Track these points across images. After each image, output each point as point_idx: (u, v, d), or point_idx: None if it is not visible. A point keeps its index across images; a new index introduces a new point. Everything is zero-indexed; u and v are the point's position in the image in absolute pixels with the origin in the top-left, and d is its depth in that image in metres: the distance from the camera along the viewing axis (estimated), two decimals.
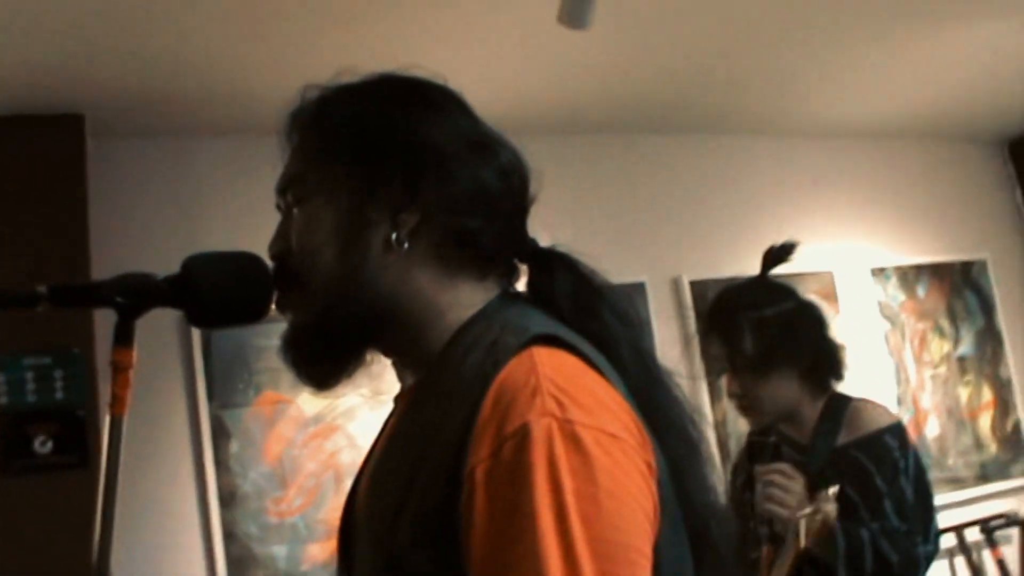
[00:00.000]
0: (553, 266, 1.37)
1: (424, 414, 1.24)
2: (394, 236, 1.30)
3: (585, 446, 1.09)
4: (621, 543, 1.08)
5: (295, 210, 1.37)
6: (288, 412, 4.15)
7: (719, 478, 1.36)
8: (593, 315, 1.32)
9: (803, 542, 2.41)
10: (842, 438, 2.67)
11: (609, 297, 1.36)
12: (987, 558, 5.37)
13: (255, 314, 1.34)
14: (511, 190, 1.37)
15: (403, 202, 1.30)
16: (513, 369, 1.15)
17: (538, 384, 1.12)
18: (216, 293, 1.31)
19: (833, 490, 2.48)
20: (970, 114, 5.88)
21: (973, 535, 5.31)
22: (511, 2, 3.69)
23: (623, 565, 1.07)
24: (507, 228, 1.36)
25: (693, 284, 5.00)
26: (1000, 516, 5.46)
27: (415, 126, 1.33)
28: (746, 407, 2.75)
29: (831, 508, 2.45)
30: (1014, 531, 5.40)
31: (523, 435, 1.08)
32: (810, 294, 5.17)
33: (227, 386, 4.07)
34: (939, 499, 5.24)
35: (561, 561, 1.03)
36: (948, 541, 5.32)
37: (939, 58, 4.93)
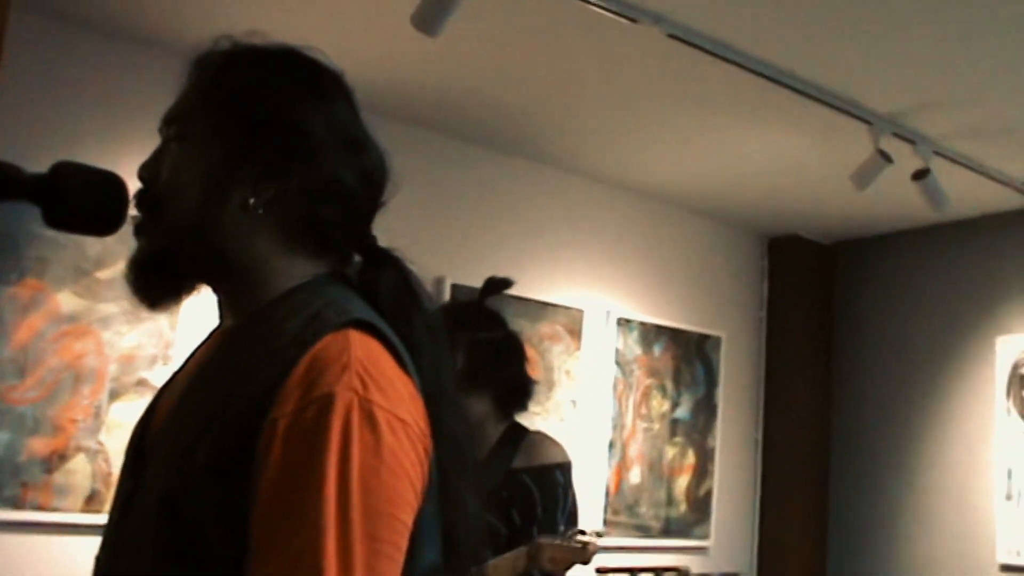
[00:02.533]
0: (384, 265, 1.50)
1: (238, 358, 1.38)
2: (251, 201, 1.42)
3: (378, 424, 1.24)
4: (388, 513, 1.24)
5: (173, 144, 1.47)
6: (45, 304, 4.12)
7: (478, 490, 1.51)
8: (406, 319, 1.45)
9: None
10: (516, 463, 2.92)
11: (425, 308, 1.50)
12: None
13: (106, 228, 1.41)
14: (368, 191, 1.51)
15: (268, 174, 1.42)
16: (329, 343, 1.29)
17: (348, 362, 1.27)
18: (78, 200, 1.38)
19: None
20: (743, 206, 6.41)
21: None
22: None
23: (386, 531, 1.23)
24: (354, 224, 1.50)
25: (455, 287, 5.18)
26: (673, 569, 5.87)
27: (302, 112, 1.45)
28: None
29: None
30: None
31: (327, 402, 1.23)
32: (558, 326, 5.52)
33: None
34: (624, 541, 5.66)
35: (336, 516, 1.18)
36: None
37: (731, 151, 5.42)
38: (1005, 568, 5.64)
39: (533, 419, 3.19)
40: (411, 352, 1.41)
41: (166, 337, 4.37)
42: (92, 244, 4.16)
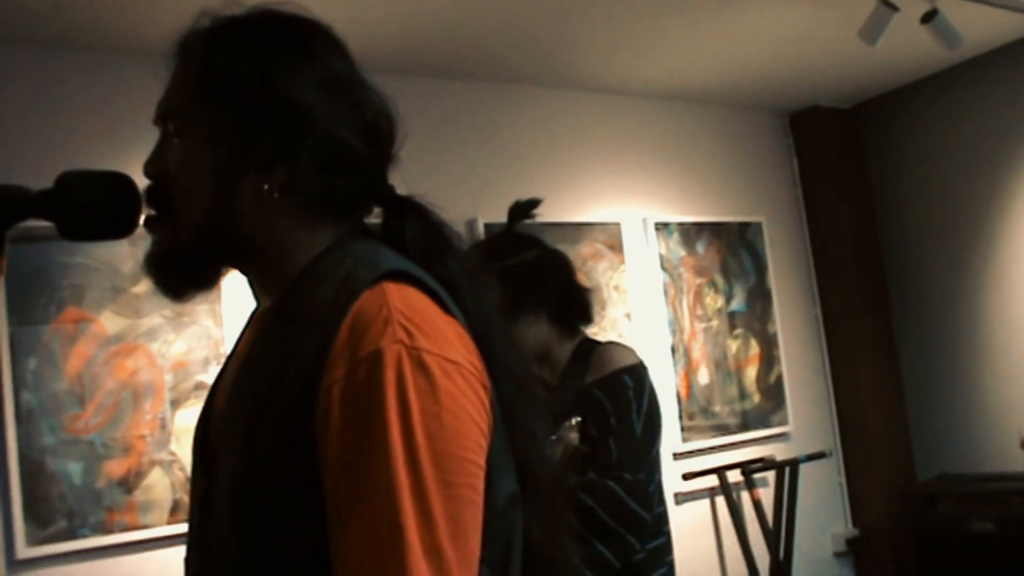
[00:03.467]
0: (407, 213, 1.49)
1: (281, 336, 1.37)
2: (265, 187, 1.41)
3: (430, 370, 1.24)
4: (459, 456, 1.24)
5: (175, 140, 1.45)
6: (90, 330, 4.14)
7: (544, 416, 1.53)
8: (439, 261, 1.44)
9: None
10: (588, 378, 2.84)
11: (456, 247, 1.49)
12: (745, 498, 5.77)
13: (123, 230, 1.43)
14: (377, 145, 1.49)
15: (276, 158, 1.41)
16: (367, 300, 1.29)
17: (389, 315, 1.26)
18: (88, 208, 1.39)
19: (575, 420, 2.71)
20: (758, 86, 6.30)
21: (734, 477, 5.71)
22: None
23: (459, 474, 1.23)
24: (369, 182, 1.49)
25: (487, 227, 5.15)
26: (758, 460, 5.88)
27: (295, 84, 1.42)
28: None
29: (572, 436, 2.68)
30: (770, 475, 5.82)
31: (376, 358, 1.23)
32: (597, 244, 5.49)
33: (28, 303, 4.02)
34: (704, 443, 5.71)
35: (407, 468, 1.19)
36: (711, 482, 5.73)
37: (737, 34, 5.32)
38: None
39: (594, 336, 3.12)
40: (451, 292, 1.41)
41: (214, 336, 4.38)
42: (124, 261, 4.18)
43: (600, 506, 2.66)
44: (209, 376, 4.32)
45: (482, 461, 1.28)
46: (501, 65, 5.37)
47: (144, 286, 4.17)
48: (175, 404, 4.27)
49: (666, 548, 2.84)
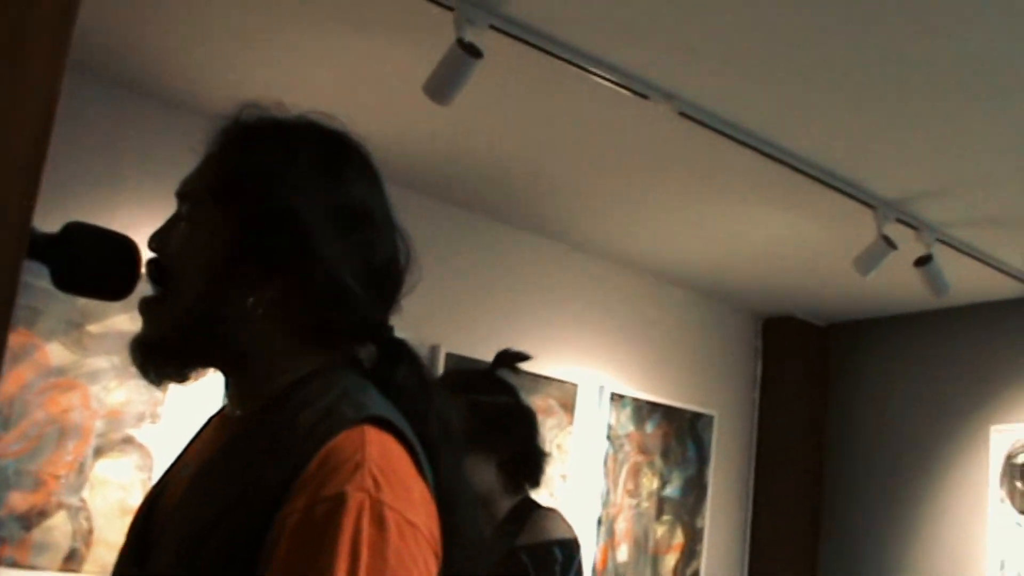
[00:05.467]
0: (400, 359, 1.48)
1: (251, 451, 1.37)
2: (251, 301, 1.41)
3: (388, 527, 1.23)
4: None
5: (183, 224, 1.46)
6: (33, 355, 4.09)
7: None
8: (422, 417, 1.43)
9: None
10: (519, 540, 2.78)
11: (440, 405, 1.48)
12: None
13: (117, 292, 1.41)
14: (380, 288, 1.48)
15: (269, 275, 1.41)
16: (344, 439, 1.28)
17: (363, 460, 1.26)
18: (88, 263, 1.39)
19: None
20: (739, 284, 6.44)
21: None
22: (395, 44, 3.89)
23: None
24: (363, 322, 1.47)
25: (449, 355, 5.17)
26: None
27: (307, 205, 1.42)
28: None
29: None
30: None
31: (338, 501, 1.22)
32: (551, 400, 5.50)
33: None
34: None
35: None
36: None
37: (731, 228, 5.48)
38: None
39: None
40: (427, 451, 1.40)
41: (156, 395, 4.33)
42: (81, 298, 4.13)
43: None
44: (141, 432, 4.27)
45: None
46: (490, 199, 5.44)
47: (100, 326, 4.15)
48: (99, 452, 4.20)
49: None
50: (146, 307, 1.46)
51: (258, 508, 1.26)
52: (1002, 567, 5.83)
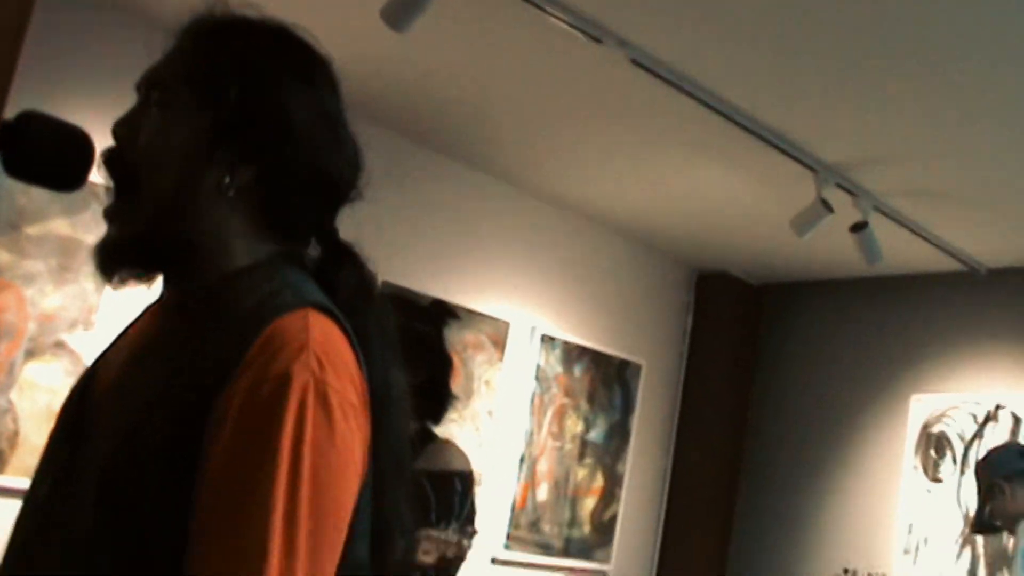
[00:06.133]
0: (344, 259, 1.51)
1: (191, 333, 1.36)
2: (226, 180, 1.41)
3: (332, 408, 1.25)
4: (335, 498, 1.26)
5: (155, 110, 1.44)
6: None
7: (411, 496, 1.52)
8: (360, 313, 1.43)
9: None
10: (417, 464, 2.81)
11: (378, 305, 1.50)
12: None
13: (67, 183, 1.43)
14: (340, 185, 1.52)
15: (247, 157, 1.42)
16: (287, 322, 1.29)
17: (306, 342, 1.27)
18: (41, 150, 1.39)
19: None
20: (676, 237, 6.54)
21: None
22: None
23: (329, 516, 1.25)
24: (322, 215, 1.51)
25: (384, 283, 5.18)
26: None
27: (289, 96, 1.45)
28: None
29: None
30: None
31: (284, 381, 1.23)
32: (483, 336, 5.55)
33: None
34: (525, 557, 5.73)
35: (286, 495, 1.19)
36: None
37: (673, 179, 5.58)
38: None
39: (448, 426, 3.14)
40: (362, 345, 1.40)
41: (90, 301, 4.33)
42: (21, 197, 4.11)
43: None
44: (73, 337, 4.28)
45: (350, 508, 1.30)
46: (434, 132, 5.46)
47: (37, 228, 4.14)
48: (29, 355, 4.21)
49: None
50: (116, 207, 1.45)
51: (199, 388, 1.26)
52: (910, 531, 6.01)
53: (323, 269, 1.49)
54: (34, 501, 1.43)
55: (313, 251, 1.53)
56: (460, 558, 2.79)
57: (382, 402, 1.39)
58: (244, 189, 1.43)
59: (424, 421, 2.94)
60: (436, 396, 2.94)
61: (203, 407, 1.25)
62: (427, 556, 2.73)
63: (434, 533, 2.73)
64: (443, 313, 3.01)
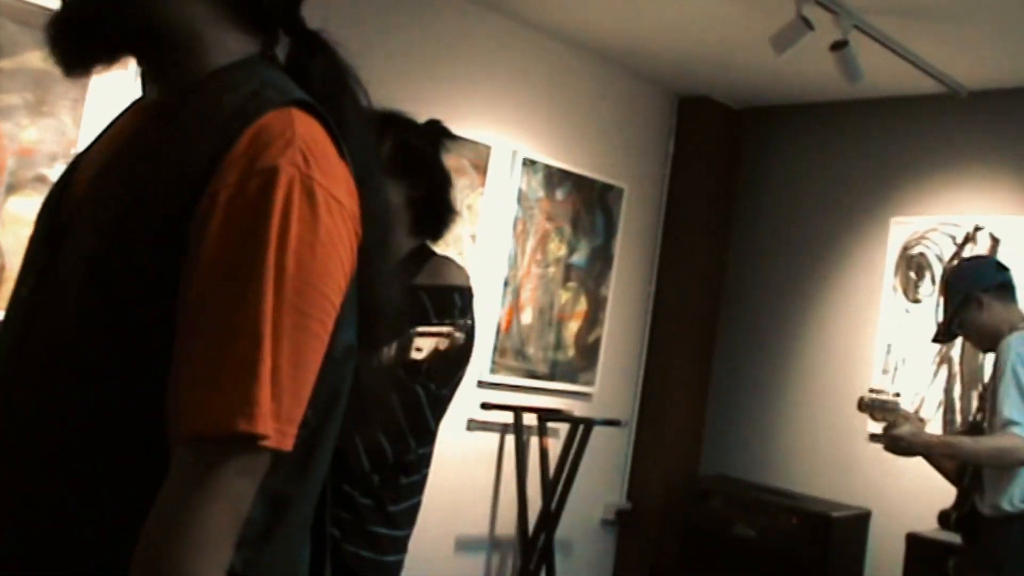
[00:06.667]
0: (315, 48, 1.50)
1: (175, 131, 1.36)
2: None
3: (317, 202, 1.27)
4: (320, 291, 1.28)
5: None
6: None
7: (397, 274, 1.57)
8: (336, 102, 1.44)
9: None
10: (418, 280, 2.83)
11: (354, 92, 1.50)
12: (534, 444, 5.93)
13: None
14: None
15: None
16: (272, 119, 1.30)
17: (292, 138, 1.28)
18: None
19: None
20: (657, 60, 6.48)
21: (530, 420, 5.89)
22: None
23: (315, 308, 1.27)
24: (288, 3, 1.49)
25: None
26: (556, 411, 6.05)
27: None
28: None
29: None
30: (563, 428, 6.00)
31: (271, 175, 1.25)
32: (464, 160, 5.55)
33: None
34: (510, 380, 5.83)
35: (272, 283, 1.22)
36: (506, 418, 5.88)
37: (657, 4, 5.41)
38: (873, 437, 5.88)
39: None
40: (342, 134, 1.41)
41: (69, 135, 4.31)
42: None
43: (399, 405, 2.72)
44: (53, 171, 4.25)
45: (337, 303, 1.32)
46: None
47: (12, 62, 4.10)
48: (11, 189, 4.20)
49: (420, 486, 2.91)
50: None
51: (185, 183, 1.28)
52: (888, 351, 6.12)
53: (295, 61, 1.50)
54: (16, 302, 1.45)
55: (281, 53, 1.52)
56: (453, 351, 2.82)
57: (362, 184, 1.41)
58: None
59: (423, 238, 2.94)
60: (435, 211, 2.92)
61: (190, 201, 1.27)
62: (419, 353, 2.77)
63: (423, 328, 2.76)
64: (439, 131, 3.00)
